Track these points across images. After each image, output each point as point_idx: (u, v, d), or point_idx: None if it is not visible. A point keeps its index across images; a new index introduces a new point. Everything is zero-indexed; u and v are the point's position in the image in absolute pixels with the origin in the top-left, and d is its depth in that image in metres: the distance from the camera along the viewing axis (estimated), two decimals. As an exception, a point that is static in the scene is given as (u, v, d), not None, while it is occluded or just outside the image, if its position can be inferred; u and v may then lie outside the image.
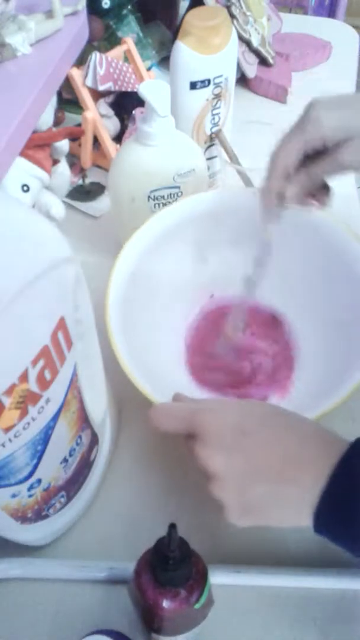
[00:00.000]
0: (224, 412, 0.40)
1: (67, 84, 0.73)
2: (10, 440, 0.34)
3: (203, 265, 0.60)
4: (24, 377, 0.32)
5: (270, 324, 0.61)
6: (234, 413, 0.39)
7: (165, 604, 0.36)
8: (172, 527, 0.33)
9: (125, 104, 0.78)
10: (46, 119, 0.67)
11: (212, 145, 0.71)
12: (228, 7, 0.86)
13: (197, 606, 0.36)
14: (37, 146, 0.65)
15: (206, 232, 0.59)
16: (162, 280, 0.58)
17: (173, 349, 0.59)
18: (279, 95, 0.94)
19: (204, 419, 0.39)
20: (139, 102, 0.67)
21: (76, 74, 0.73)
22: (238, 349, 0.59)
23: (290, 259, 0.58)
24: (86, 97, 0.74)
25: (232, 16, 0.87)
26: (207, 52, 0.62)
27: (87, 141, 0.77)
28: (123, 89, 0.77)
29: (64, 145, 0.70)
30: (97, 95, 0.77)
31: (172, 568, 0.34)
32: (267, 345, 0.59)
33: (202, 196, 0.59)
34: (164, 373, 0.54)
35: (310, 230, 0.56)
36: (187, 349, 0.60)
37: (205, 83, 0.64)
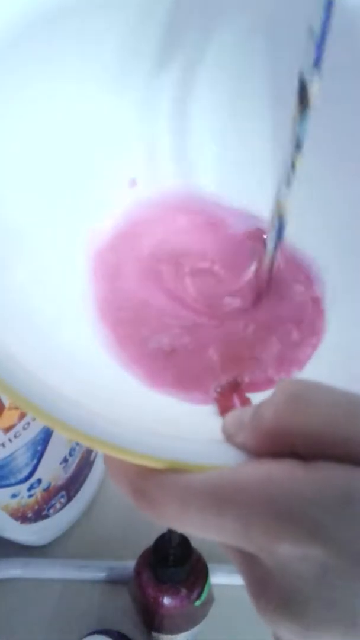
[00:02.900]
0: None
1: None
2: (10, 440, 0.34)
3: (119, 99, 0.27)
4: (24, 376, 0.32)
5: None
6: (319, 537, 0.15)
7: (166, 601, 0.36)
8: (172, 523, 0.33)
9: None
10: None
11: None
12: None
13: (197, 604, 0.36)
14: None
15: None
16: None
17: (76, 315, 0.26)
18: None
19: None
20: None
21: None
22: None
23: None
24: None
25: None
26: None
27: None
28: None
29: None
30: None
31: (172, 564, 0.35)
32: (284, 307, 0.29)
33: None
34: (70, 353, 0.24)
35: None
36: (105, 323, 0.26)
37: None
